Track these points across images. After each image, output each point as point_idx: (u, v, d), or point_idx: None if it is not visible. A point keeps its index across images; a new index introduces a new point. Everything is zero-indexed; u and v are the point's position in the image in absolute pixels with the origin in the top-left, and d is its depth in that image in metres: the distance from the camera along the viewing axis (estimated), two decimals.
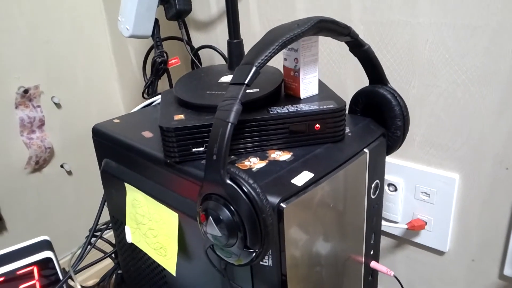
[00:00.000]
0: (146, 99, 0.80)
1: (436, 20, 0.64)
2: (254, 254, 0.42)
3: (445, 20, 0.63)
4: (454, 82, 0.65)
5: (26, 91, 0.99)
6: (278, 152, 0.53)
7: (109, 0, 1.10)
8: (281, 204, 0.44)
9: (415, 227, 0.76)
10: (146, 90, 0.89)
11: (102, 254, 0.82)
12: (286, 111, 0.53)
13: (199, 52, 0.93)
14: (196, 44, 0.95)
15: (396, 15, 0.67)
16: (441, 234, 0.74)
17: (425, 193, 0.74)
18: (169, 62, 0.85)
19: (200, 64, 0.93)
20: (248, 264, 0.43)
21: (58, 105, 1.07)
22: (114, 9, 1.10)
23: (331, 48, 0.77)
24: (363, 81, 0.61)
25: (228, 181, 0.41)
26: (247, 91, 0.45)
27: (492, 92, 0.63)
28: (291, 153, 0.52)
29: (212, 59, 0.97)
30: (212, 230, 0.43)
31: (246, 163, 0.51)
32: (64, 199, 1.13)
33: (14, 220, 1.04)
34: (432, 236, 0.75)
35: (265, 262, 0.47)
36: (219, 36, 0.93)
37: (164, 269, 0.62)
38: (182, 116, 0.54)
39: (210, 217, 0.42)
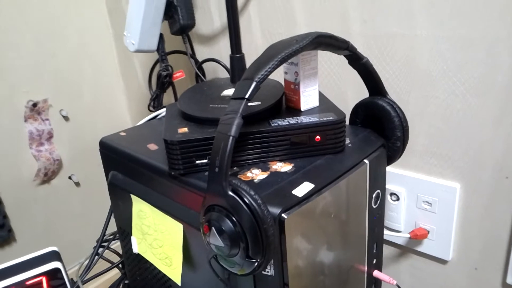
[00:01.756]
0: (152, 111, 0.82)
1: (433, 32, 0.65)
2: (256, 264, 0.43)
3: (443, 32, 0.64)
4: (452, 93, 0.66)
5: (34, 105, 1.01)
6: (279, 164, 0.54)
7: (114, 15, 1.12)
8: (282, 215, 0.45)
9: (417, 236, 0.76)
10: (152, 103, 0.90)
11: (110, 264, 0.83)
12: (287, 123, 0.54)
13: (203, 65, 0.95)
14: (200, 58, 0.97)
15: (394, 28, 0.69)
16: (443, 243, 0.75)
17: (427, 202, 0.74)
18: (174, 76, 0.87)
19: (204, 77, 0.95)
20: (251, 274, 0.44)
21: (66, 118, 1.09)
22: (119, 24, 1.12)
23: (331, 60, 0.78)
24: (364, 92, 0.62)
25: (230, 193, 0.42)
26: (249, 104, 0.46)
27: (490, 102, 0.64)
28: (292, 165, 0.54)
29: (216, 71, 0.98)
30: (215, 240, 0.44)
31: (248, 174, 0.52)
32: (72, 210, 1.15)
33: (23, 231, 1.06)
34: (435, 245, 0.76)
35: (268, 271, 0.48)
36: (222, 49, 0.95)
37: (169, 279, 0.63)
38: (186, 129, 0.55)
39: (213, 228, 0.44)
